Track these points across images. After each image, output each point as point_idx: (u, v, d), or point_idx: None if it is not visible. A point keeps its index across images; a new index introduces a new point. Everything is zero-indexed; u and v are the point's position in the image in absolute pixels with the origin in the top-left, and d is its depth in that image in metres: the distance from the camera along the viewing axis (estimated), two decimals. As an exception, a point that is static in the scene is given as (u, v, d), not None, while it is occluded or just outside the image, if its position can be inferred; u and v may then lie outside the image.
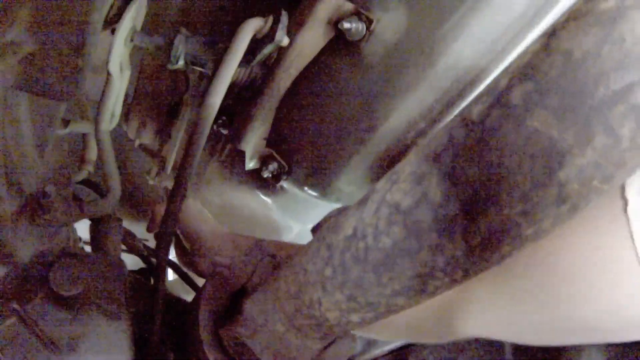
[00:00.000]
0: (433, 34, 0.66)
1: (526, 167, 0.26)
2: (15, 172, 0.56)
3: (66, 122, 0.74)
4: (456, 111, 0.72)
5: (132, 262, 1.17)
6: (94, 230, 0.84)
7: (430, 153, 0.31)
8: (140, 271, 1.01)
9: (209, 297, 0.56)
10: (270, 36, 0.62)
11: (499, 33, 0.66)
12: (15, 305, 0.54)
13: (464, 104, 0.72)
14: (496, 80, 0.29)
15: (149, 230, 0.98)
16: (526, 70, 0.27)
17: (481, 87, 0.70)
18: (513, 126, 0.26)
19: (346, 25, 0.66)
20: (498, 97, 0.28)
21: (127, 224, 1.24)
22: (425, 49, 0.66)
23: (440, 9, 0.65)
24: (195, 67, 0.63)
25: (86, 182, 0.95)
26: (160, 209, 0.95)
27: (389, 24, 0.67)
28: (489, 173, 0.27)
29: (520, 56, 0.29)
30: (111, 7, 0.53)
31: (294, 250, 0.64)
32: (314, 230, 0.52)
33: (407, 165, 0.32)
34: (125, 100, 0.96)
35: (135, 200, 1.22)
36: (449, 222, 0.29)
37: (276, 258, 0.58)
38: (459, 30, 0.65)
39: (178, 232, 0.89)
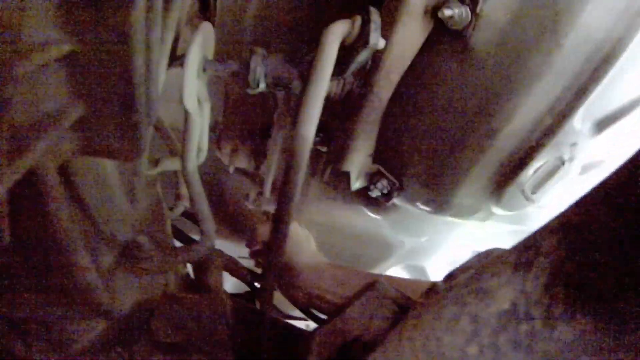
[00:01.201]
0: (554, 5, 0.54)
1: None
2: (107, 225, 0.55)
3: (156, 162, 0.71)
4: (589, 99, 0.59)
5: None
6: (195, 263, 0.83)
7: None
8: (246, 294, 1.00)
9: (319, 346, 0.51)
10: (362, 40, 0.53)
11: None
12: (120, 350, 0.55)
13: (597, 88, 0.59)
14: None
15: (248, 246, 0.96)
16: None
17: (618, 63, 0.57)
18: None
19: (447, 12, 0.56)
20: None
21: (228, 246, 1.24)
22: (547, 27, 0.54)
23: (559, -28, 0.53)
24: (279, 88, 0.56)
25: (186, 214, 0.93)
26: (262, 229, 0.92)
27: (498, 1, 0.55)
28: None
29: None
30: (176, 43, 0.48)
31: (415, 290, 0.56)
32: (447, 279, 0.42)
33: (597, 218, 0.21)
34: (215, 127, 0.94)
35: (235, 223, 1.20)
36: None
37: (398, 303, 0.49)
38: (586, -5, 0.52)
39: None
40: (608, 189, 0.23)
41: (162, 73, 0.46)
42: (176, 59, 0.53)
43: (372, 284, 0.52)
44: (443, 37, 0.59)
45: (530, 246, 0.25)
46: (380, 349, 0.43)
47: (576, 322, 0.21)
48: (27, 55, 0.23)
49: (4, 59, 0.21)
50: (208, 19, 0.75)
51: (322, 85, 0.49)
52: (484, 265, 0.30)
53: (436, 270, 1.19)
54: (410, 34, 0.58)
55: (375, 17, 0.51)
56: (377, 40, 0.51)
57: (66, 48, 0.26)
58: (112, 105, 0.29)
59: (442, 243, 1.09)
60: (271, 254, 0.56)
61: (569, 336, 0.22)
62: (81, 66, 0.27)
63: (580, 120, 0.64)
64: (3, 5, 0.20)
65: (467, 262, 0.43)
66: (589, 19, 0.53)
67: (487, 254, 0.42)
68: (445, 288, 0.35)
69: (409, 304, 0.49)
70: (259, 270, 0.98)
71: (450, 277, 0.42)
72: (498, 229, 0.93)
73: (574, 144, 0.67)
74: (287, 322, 0.84)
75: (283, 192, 0.49)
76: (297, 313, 1.11)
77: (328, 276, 0.82)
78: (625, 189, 0.21)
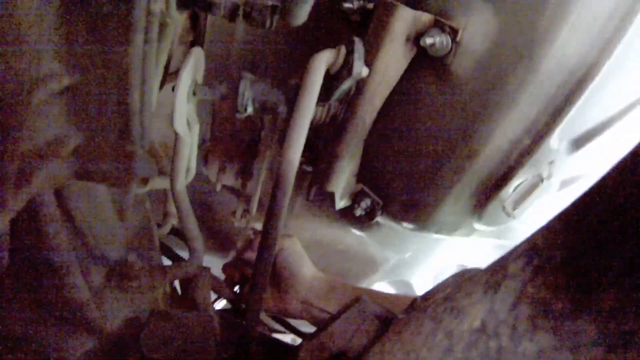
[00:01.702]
0: (530, 33, 0.56)
1: None
2: (98, 244, 0.55)
3: (145, 181, 0.72)
4: (564, 120, 0.62)
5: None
6: (183, 280, 0.83)
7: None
8: (233, 310, 1.01)
9: None
10: (346, 68, 0.55)
11: (605, 18, 0.55)
12: None
13: (572, 110, 0.61)
14: None
15: (239, 254, 0.96)
16: None
17: (590, 87, 0.59)
18: None
19: (428, 40, 0.58)
20: None
21: (215, 262, 1.24)
22: (523, 53, 0.56)
23: (534, 2, 0.55)
24: (266, 112, 0.57)
25: (175, 232, 0.94)
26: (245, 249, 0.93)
27: (477, 30, 0.58)
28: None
29: None
30: (169, 62, 0.49)
31: (398, 305, 0.57)
32: (425, 297, 0.44)
33: (556, 245, 0.23)
34: (203, 144, 0.95)
35: (222, 239, 1.20)
36: (623, 337, 0.20)
37: (380, 319, 0.51)
38: (559, 24, 0.54)
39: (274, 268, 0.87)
40: (568, 215, 0.25)
41: (154, 96, 0.48)
42: (167, 75, 0.55)
43: (356, 300, 0.53)
44: (424, 63, 0.61)
45: (499, 268, 0.27)
46: (364, 364, 0.45)
47: (538, 339, 0.23)
48: (34, 87, 0.24)
49: (22, 89, 0.22)
50: (198, 36, 0.76)
51: (308, 111, 0.51)
52: (459, 285, 0.32)
53: (422, 285, 1.20)
54: (393, 61, 0.60)
55: (358, 47, 0.53)
56: (360, 70, 0.53)
57: (67, 81, 0.28)
58: (108, 134, 0.30)
59: (427, 258, 1.11)
60: (258, 271, 0.57)
61: (531, 352, 0.24)
62: (80, 98, 0.28)
63: (557, 139, 0.66)
64: (28, 38, 0.22)
65: (444, 281, 0.44)
66: (563, 46, 0.55)
67: (463, 273, 0.44)
68: (424, 305, 0.37)
69: (391, 320, 0.50)
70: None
71: (428, 295, 0.44)
72: (483, 243, 0.95)
73: (551, 162, 0.69)
74: (274, 337, 0.85)
75: (269, 213, 0.51)
76: (280, 327, 1.12)
77: (326, 287, 0.84)
78: (581, 215, 0.23)
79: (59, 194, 0.39)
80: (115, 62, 0.28)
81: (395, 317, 0.50)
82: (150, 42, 0.30)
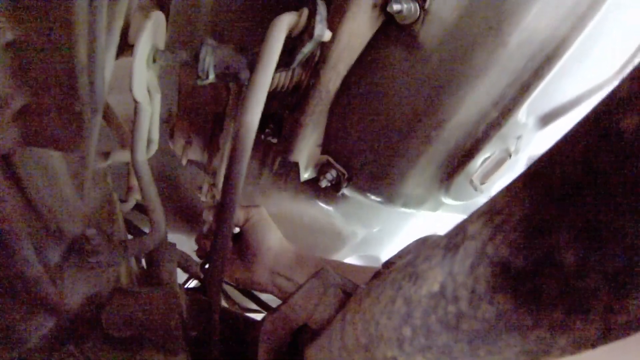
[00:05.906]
0: (500, 5, 0.55)
1: None
2: (54, 218, 0.53)
3: (106, 154, 0.70)
4: (532, 95, 0.62)
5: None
6: (148, 257, 0.81)
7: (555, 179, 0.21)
8: (202, 288, 1.00)
9: (267, 335, 0.52)
10: (308, 32, 0.53)
11: (579, -8, 0.55)
12: (71, 347, 0.53)
13: (541, 84, 0.61)
14: None
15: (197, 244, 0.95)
16: None
17: (560, 62, 0.59)
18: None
19: (396, 7, 0.56)
20: None
21: (183, 239, 1.23)
22: (492, 25, 0.56)
23: (505, -28, 0.54)
24: (228, 79, 0.56)
25: (139, 207, 0.92)
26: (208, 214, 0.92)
27: (446, -1, 0.57)
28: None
29: None
30: (126, 31, 0.47)
31: (361, 276, 0.57)
32: (386, 265, 0.44)
33: (517, 202, 0.23)
34: (170, 118, 0.92)
35: (189, 215, 1.19)
36: (585, 297, 0.19)
37: (343, 289, 0.50)
38: (532, -4, 0.54)
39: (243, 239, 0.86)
40: (529, 173, 0.24)
41: (109, 62, 0.45)
42: (126, 47, 0.53)
43: (318, 272, 0.53)
44: (392, 31, 0.60)
45: (459, 231, 0.27)
46: (325, 334, 0.44)
47: (497, 301, 0.23)
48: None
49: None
50: (162, 7, 0.73)
51: (267, 74, 0.49)
52: (419, 251, 0.31)
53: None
54: (358, 27, 0.59)
55: (321, 9, 0.52)
56: (322, 32, 0.51)
57: (11, 35, 0.26)
58: (55, 94, 0.28)
59: (396, 233, 1.11)
60: (218, 238, 0.56)
61: (491, 315, 0.23)
62: (24, 54, 0.27)
63: (525, 114, 0.66)
64: None
65: (406, 247, 0.44)
66: (533, 19, 0.55)
67: (425, 239, 0.44)
68: (385, 273, 0.37)
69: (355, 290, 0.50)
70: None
71: (389, 263, 0.43)
72: (452, 219, 0.95)
73: (519, 137, 0.70)
74: (237, 312, 0.85)
75: (227, 179, 0.50)
76: (254, 306, 1.11)
77: (294, 258, 0.84)
78: (541, 175, 0.23)
79: (7, 162, 0.37)
80: (60, 15, 0.26)
81: (359, 287, 0.49)
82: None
